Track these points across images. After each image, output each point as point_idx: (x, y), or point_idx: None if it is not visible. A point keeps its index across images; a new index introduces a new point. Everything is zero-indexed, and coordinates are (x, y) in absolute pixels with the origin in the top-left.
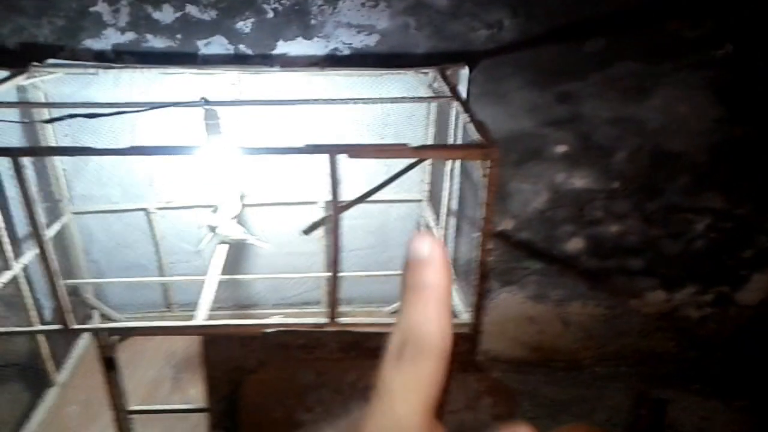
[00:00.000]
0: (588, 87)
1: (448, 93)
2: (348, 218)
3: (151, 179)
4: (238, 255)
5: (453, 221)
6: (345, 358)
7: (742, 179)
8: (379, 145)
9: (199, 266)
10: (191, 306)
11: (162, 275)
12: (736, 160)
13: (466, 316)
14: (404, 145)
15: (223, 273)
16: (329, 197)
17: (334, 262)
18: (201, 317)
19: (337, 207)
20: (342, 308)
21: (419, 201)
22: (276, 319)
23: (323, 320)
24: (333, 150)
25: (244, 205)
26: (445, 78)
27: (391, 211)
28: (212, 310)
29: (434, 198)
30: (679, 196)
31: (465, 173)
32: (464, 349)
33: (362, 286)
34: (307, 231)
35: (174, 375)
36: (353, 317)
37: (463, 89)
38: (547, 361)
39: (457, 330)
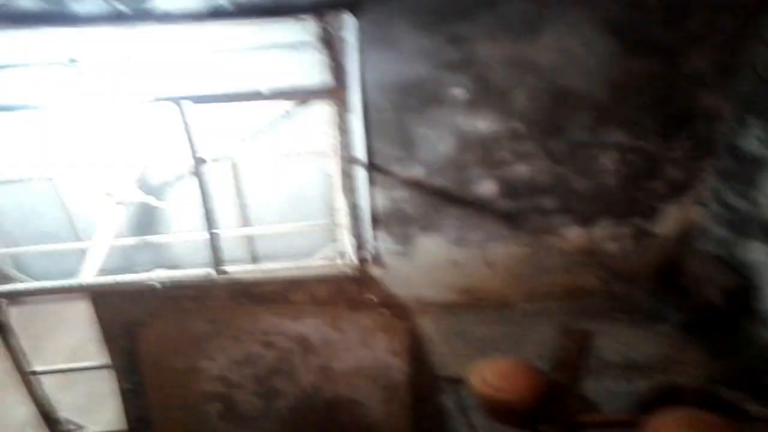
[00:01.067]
0: (479, 28)
1: (330, 41)
2: (260, 174)
3: (50, 145)
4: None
5: (363, 172)
6: (237, 305)
7: (643, 113)
8: (228, 93)
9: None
10: (115, 270)
11: (78, 241)
12: (635, 94)
13: (352, 257)
14: (257, 91)
15: (140, 233)
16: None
17: (207, 217)
18: (88, 276)
19: (197, 159)
20: (264, 264)
21: (328, 154)
22: (162, 273)
23: (211, 272)
24: (180, 98)
25: (147, 166)
26: (325, 24)
27: (305, 165)
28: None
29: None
30: (583, 133)
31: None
32: (354, 289)
33: (282, 240)
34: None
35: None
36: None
37: (351, 36)
38: (476, 302)
39: (346, 272)
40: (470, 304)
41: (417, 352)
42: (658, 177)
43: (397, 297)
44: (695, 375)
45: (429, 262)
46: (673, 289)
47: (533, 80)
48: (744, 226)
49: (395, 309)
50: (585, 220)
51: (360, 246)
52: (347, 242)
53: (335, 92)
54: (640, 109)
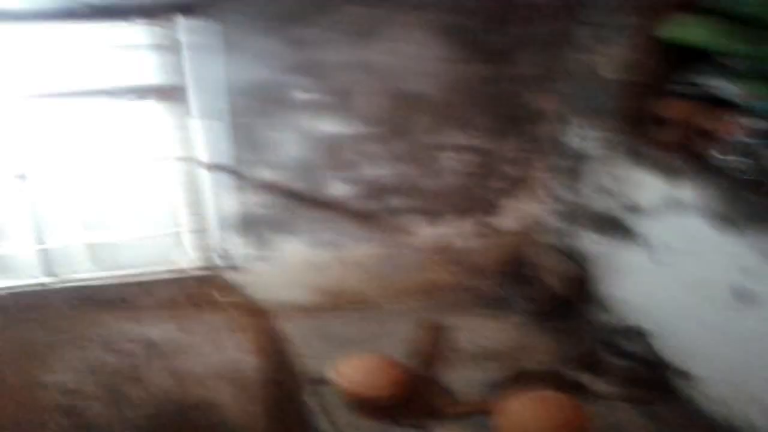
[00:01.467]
0: (318, 32)
1: (171, 43)
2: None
3: None
4: None
5: (213, 176)
6: (79, 313)
7: (478, 114)
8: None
9: None
10: None
11: None
12: (470, 96)
13: (202, 261)
14: (91, 89)
15: None
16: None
17: (37, 225)
18: None
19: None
20: (117, 272)
21: (174, 159)
22: None
23: (46, 280)
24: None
25: None
26: (164, 27)
27: (158, 169)
28: None
29: (189, 154)
30: (424, 134)
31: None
32: (201, 292)
33: (129, 247)
34: None
35: None
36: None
37: (191, 39)
38: (338, 302)
39: (192, 275)
40: (332, 305)
41: (280, 355)
42: (496, 175)
43: (253, 298)
44: (543, 359)
45: (288, 265)
46: (520, 280)
47: (373, 83)
48: (574, 217)
49: (249, 310)
50: (433, 218)
51: (210, 250)
52: (195, 246)
53: (171, 93)
54: (475, 111)
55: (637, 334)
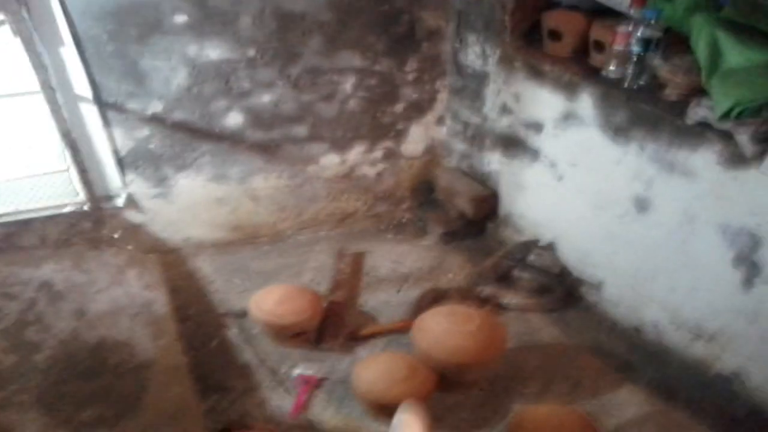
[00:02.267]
0: None
1: None
2: None
3: None
4: None
5: (90, 110)
6: None
7: (372, 35)
8: None
9: None
10: None
11: None
12: (361, 16)
13: (93, 199)
14: None
15: None
16: None
17: None
18: None
19: None
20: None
21: (52, 90)
22: None
23: None
24: None
25: None
26: None
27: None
28: None
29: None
30: (318, 58)
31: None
32: (91, 228)
33: (21, 188)
34: None
35: None
36: None
37: None
38: (250, 238)
39: (80, 212)
40: (244, 241)
41: (191, 290)
42: (397, 99)
43: (155, 235)
44: (456, 278)
45: (191, 202)
46: (430, 204)
47: (256, 3)
48: (478, 138)
49: (151, 247)
50: (337, 145)
51: (101, 187)
52: (85, 184)
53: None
54: (369, 31)
55: (544, 248)
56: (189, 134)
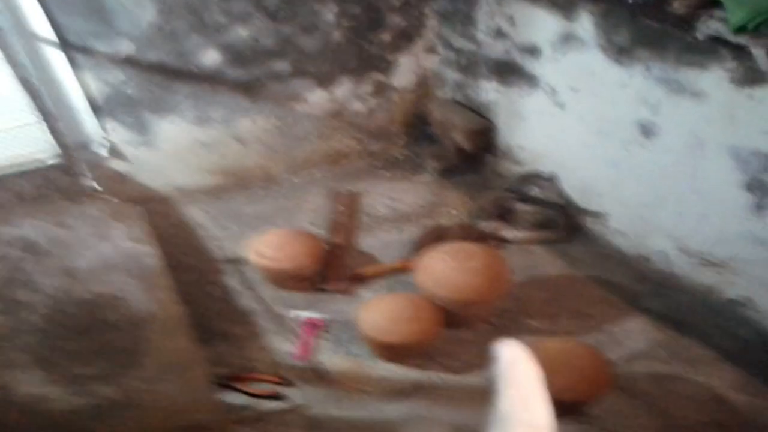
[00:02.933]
0: None
1: None
2: None
3: None
4: None
5: (54, 53)
6: None
7: None
8: None
9: None
10: None
11: None
12: None
13: (67, 150)
14: None
15: None
16: None
17: None
18: None
19: None
20: None
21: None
22: None
23: None
24: None
25: None
26: None
27: None
28: None
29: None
30: None
31: None
32: (74, 182)
33: None
34: None
35: None
36: None
37: None
38: (241, 182)
39: (61, 165)
40: (236, 186)
41: (184, 239)
42: (384, 27)
43: (140, 185)
44: (456, 214)
45: (177, 148)
46: (425, 138)
47: None
48: (473, 67)
49: (137, 197)
50: (324, 81)
51: (76, 137)
52: (58, 134)
53: None
54: None
55: (546, 179)
56: (166, 76)
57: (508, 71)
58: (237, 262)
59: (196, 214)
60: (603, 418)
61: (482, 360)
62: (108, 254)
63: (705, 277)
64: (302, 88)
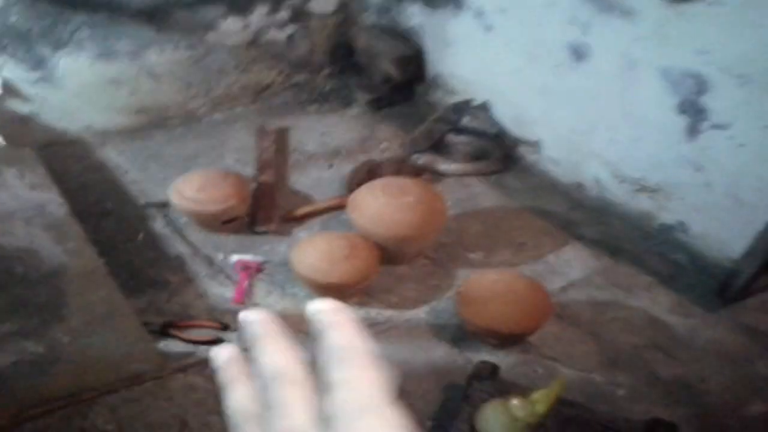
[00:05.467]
0: None
1: None
2: None
3: None
4: None
5: None
6: None
7: None
8: None
9: None
10: None
11: None
12: None
13: None
14: None
15: None
16: None
17: None
18: None
19: None
20: None
21: None
22: None
23: None
24: None
25: None
26: None
27: None
28: None
29: None
30: None
31: None
32: None
33: None
34: None
35: None
36: None
37: None
38: (159, 120)
39: None
40: (154, 124)
41: (110, 185)
42: None
43: (44, 126)
44: (391, 148)
45: (82, 85)
46: (351, 68)
47: None
48: None
49: (40, 140)
50: (236, 7)
51: None
52: None
53: None
54: None
55: (478, 108)
56: (56, 2)
57: None
58: (162, 205)
59: (113, 157)
60: (543, 347)
61: (421, 294)
62: (6, 203)
63: (640, 202)
64: (212, 15)
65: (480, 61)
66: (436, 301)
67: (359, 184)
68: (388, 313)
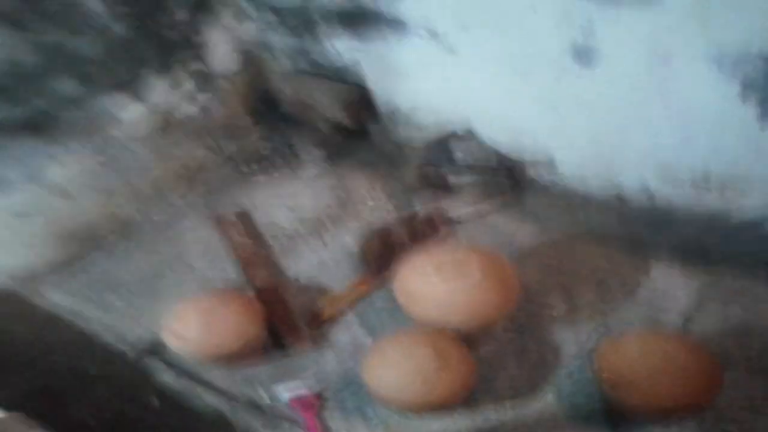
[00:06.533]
0: None
1: None
2: None
3: None
4: None
5: None
6: None
7: None
8: None
9: None
10: None
11: None
12: None
13: None
14: None
15: None
16: None
17: None
18: None
19: None
20: None
21: None
22: None
23: None
24: None
25: None
26: None
27: None
28: None
29: None
30: None
31: None
32: None
33: None
34: None
35: None
36: None
37: None
38: (92, 243)
39: None
40: (86, 248)
41: (70, 338)
42: (171, 4)
43: None
44: (376, 205)
45: None
46: (283, 123)
47: None
48: (307, 26)
49: None
50: (130, 90)
51: None
52: None
53: None
54: None
55: (465, 138)
56: None
57: (360, 21)
58: (154, 350)
59: (56, 300)
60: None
61: (530, 377)
62: None
63: (708, 202)
64: (107, 107)
65: (449, 88)
66: (553, 383)
67: (378, 259)
68: (507, 410)
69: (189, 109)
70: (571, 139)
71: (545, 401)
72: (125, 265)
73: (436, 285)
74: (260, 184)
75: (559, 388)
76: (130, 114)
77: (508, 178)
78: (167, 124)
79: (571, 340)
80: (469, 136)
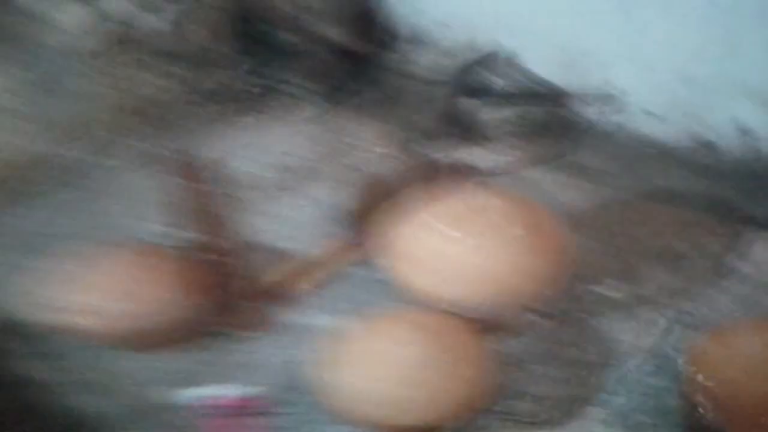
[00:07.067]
0: None
1: None
2: None
3: None
4: None
5: None
6: None
7: None
8: None
9: None
10: None
11: None
12: None
13: None
14: None
15: None
16: None
17: None
18: None
19: None
20: None
21: None
22: None
23: None
24: None
25: None
26: None
27: None
28: None
29: None
30: None
31: None
32: None
33: None
34: None
35: None
36: None
37: None
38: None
39: None
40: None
41: None
42: None
43: None
44: (384, 152)
45: None
46: (277, 51)
47: None
48: None
49: None
50: None
51: None
52: None
53: None
54: None
55: (506, 64)
56: None
57: None
58: (37, 328)
59: None
60: None
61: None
62: None
63: None
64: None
65: None
66: (608, 393)
67: (372, 216)
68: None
69: (154, 22)
70: (650, 63)
71: (594, 419)
72: (38, 214)
73: (456, 243)
74: (240, 126)
75: (617, 402)
76: (71, 17)
77: (557, 117)
78: (123, 39)
79: (636, 334)
80: (510, 60)
